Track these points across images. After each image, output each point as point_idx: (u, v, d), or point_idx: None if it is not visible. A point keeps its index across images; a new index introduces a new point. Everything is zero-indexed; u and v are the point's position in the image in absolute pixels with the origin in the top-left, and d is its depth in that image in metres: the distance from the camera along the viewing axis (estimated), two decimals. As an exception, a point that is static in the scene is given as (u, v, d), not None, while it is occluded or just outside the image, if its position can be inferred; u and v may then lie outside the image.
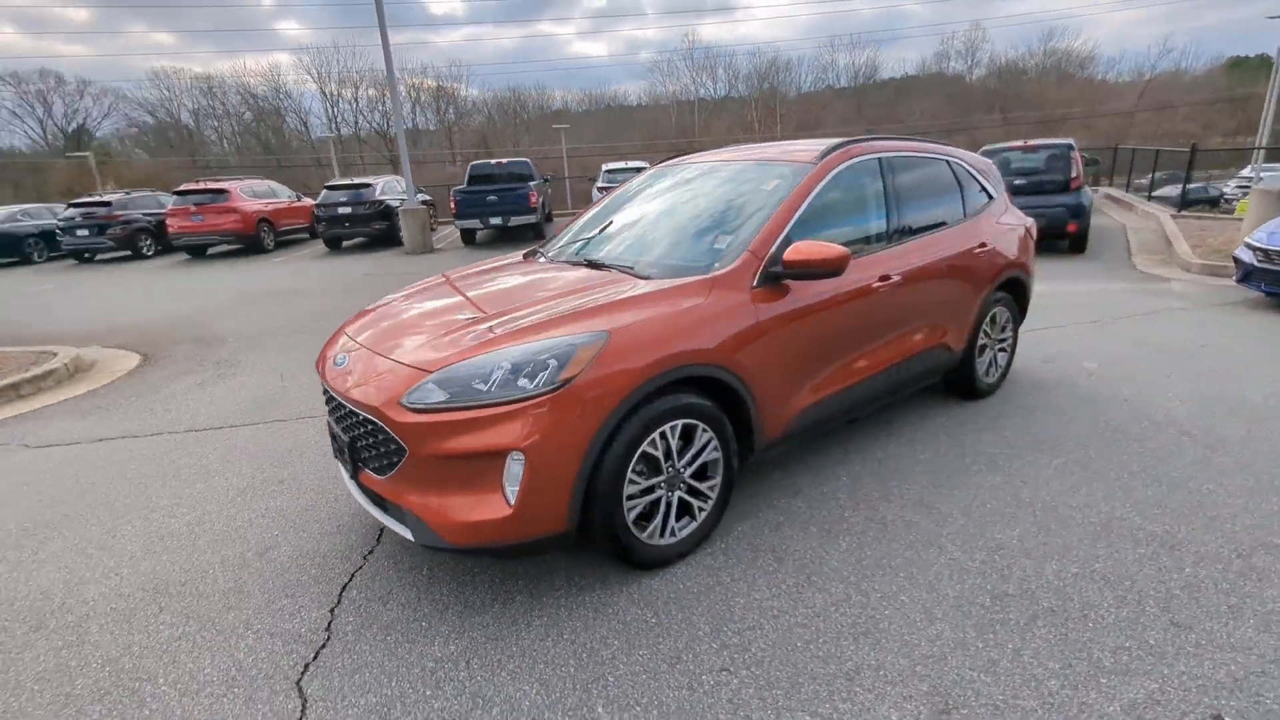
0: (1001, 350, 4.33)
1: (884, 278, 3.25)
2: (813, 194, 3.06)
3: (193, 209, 15.35)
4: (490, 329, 2.45)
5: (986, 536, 2.75)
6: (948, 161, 3.95)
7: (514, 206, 13.75)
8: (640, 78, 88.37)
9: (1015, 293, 4.31)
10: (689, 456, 2.61)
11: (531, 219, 13.95)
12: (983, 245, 3.88)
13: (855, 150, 3.35)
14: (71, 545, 3.02)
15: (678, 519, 2.65)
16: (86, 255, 16.55)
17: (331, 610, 2.47)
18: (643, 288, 2.66)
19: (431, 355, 2.38)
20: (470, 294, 2.98)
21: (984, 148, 9.96)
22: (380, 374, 2.42)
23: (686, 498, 2.65)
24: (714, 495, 2.73)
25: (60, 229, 16.32)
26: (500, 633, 2.30)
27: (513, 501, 2.20)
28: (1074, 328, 5.83)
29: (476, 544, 2.26)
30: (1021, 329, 4.66)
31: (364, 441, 2.46)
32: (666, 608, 2.39)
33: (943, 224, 3.78)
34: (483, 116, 52.80)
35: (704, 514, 2.72)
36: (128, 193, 17.42)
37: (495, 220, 13.84)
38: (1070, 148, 9.69)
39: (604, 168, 17.11)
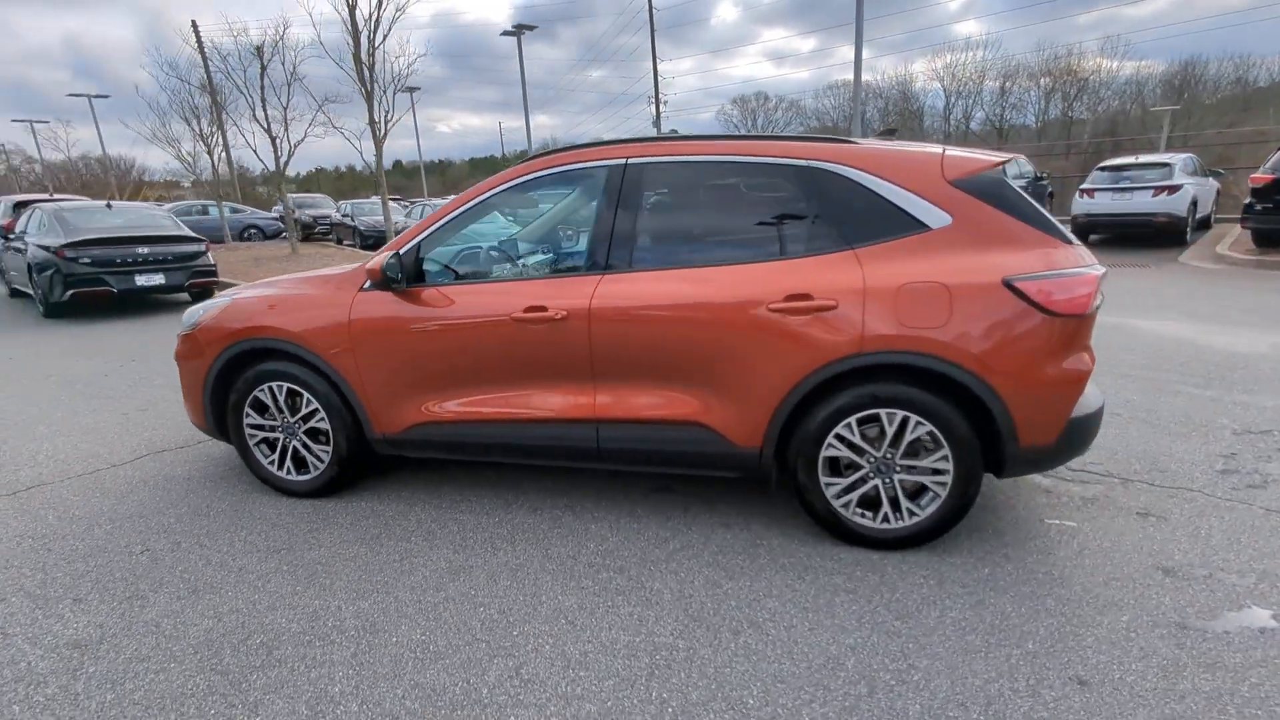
0: (924, 489, 2.50)
1: (534, 310, 2.68)
2: (463, 209, 2.86)
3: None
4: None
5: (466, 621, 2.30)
6: (796, 168, 2.52)
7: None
8: None
9: (956, 396, 2.38)
10: (300, 416, 3.16)
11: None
12: (800, 298, 2.40)
13: (559, 159, 2.78)
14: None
15: (298, 466, 3.24)
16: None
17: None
18: (312, 275, 3.26)
19: None
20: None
21: None
22: None
23: (302, 451, 3.20)
24: (326, 459, 3.17)
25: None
26: (184, 473, 3.56)
27: (184, 400, 3.41)
28: None
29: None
30: None
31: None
32: (227, 514, 3.15)
33: (737, 257, 2.57)
34: (1123, 100, 42.92)
35: (318, 470, 3.20)
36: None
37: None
38: None
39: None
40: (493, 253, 3.29)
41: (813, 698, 1.88)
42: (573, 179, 2.86)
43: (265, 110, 13.80)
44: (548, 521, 2.96)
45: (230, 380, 3.22)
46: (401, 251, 2.85)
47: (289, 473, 3.26)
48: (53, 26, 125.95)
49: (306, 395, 3.10)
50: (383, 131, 10.28)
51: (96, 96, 32.00)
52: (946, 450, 2.43)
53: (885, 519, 2.56)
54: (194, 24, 17.06)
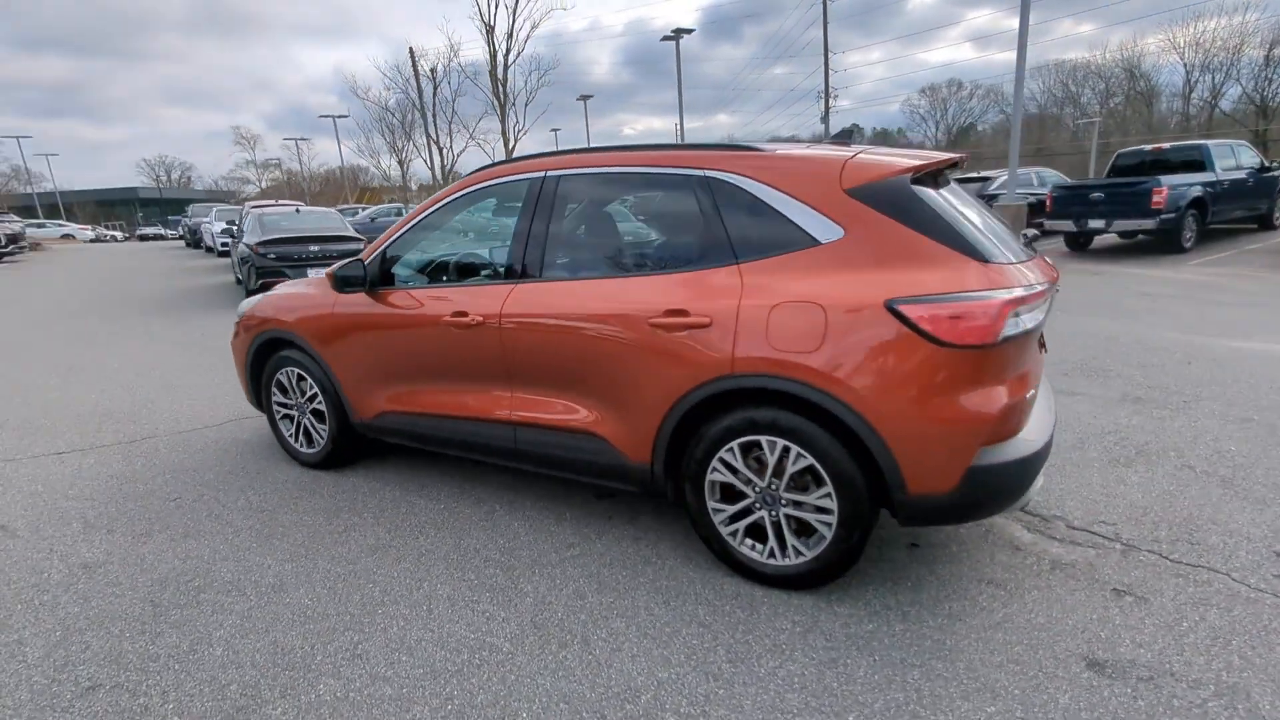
0: (813, 528, 2.28)
1: (459, 314, 2.83)
2: (419, 218, 3.09)
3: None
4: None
5: (352, 598, 2.60)
6: (695, 178, 2.38)
7: (1123, 207, 10.21)
8: None
9: (837, 430, 2.13)
10: (306, 397, 3.64)
11: (1149, 224, 10.04)
12: (677, 314, 2.29)
13: (494, 173, 2.89)
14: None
15: (308, 441, 3.73)
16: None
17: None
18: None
19: None
20: None
21: None
22: None
23: (309, 428, 3.69)
24: (324, 439, 3.62)
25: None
26: (246, 438, 4.23)
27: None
28: None
29: None
30: None
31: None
32: (249, 475, 3.72)
33: (637, 269, 2.52)
34: None
35: (321, 444, 3.66)
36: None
37: (1095, 223, 10.66)
38: None
39: None
40: (472, 256, 3.52)
41: (581, 723, 1.85)
42: (508, 191, 2.97)
43: (435, 125, 15.56)
44: (482, 514, 3.12)
45: (263, 363, 3.81)
46: (366, 261, 3.18)
47: (302, 445, 3.77)
48: (326, 59, 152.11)
49: (310, 380, 3.57)
50: (513, 142, 11.13)
51: (338, 117, 37.95)
52: (829, 488, 2.19)
53: (771, 554, 2.38)
54: (411, 51, 19.64)
